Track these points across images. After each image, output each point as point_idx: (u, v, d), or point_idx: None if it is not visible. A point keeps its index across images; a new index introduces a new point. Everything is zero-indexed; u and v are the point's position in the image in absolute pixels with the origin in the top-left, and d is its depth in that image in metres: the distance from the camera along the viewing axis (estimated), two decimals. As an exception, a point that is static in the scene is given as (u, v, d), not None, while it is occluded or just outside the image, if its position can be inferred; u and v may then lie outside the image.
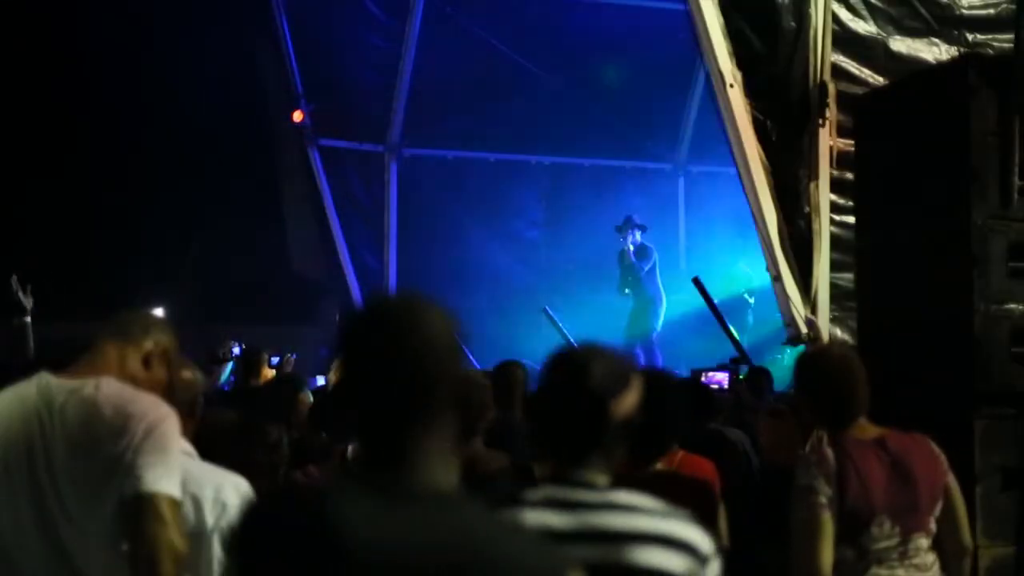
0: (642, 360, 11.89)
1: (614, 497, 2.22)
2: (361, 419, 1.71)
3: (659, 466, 3.55)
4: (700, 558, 2.19)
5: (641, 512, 2.20)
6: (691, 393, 5.57)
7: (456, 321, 1.75)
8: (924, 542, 3.40)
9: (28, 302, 6.02)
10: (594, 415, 2.22)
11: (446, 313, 1.75)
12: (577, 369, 2.23)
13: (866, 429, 3.44)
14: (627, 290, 12.58)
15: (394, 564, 1.56)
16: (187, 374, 3.20)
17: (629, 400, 2.26)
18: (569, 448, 2.24)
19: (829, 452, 3.36)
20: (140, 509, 2.59)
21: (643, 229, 12.63)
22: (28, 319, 5.96)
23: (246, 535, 1.71)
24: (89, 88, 12.09)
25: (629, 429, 2.27)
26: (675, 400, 3.64)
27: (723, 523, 3.49)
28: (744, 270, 12.96)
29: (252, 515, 1.76)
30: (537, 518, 2.14)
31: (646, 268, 12.41)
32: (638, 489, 2.33)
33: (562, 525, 2.14)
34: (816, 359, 3.60)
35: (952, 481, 3.49)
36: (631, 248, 12.49)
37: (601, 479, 2.24)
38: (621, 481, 2.35)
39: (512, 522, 1.71)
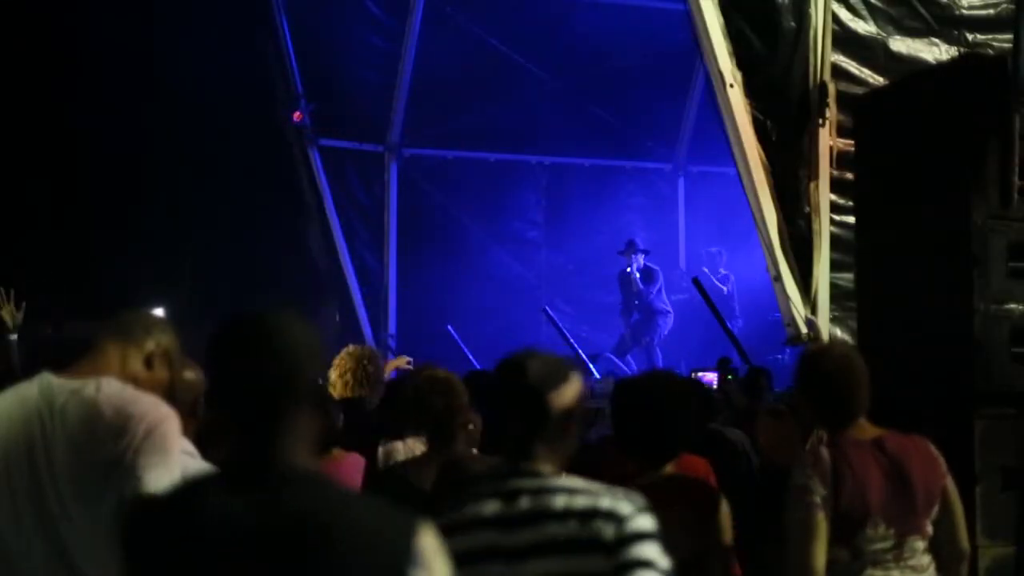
0: (642, 365, 11.89)
1: (555, 482, 2.39)
2: (231, 415, 1.93)
3: (669, 468, 3.53)
4: (619, 520, 2.31)
5: (578, 492, 2.36)
6: (696, 395, 5.55)
7: (315, 332, 2.01)
8: (920, 544, 3.39)
9: (18, 318, 5.94)
10: (533, 408, 2.40)
11: (306, 324, 2.00)
12: (514, 368, 2.43)
13: (864, 430, 3.43)
14: (632, 311, 12.60)
15: (256, 546, 1.78)
16: (189, 374, 3.21)
17: (568, 393, 2.44)
18: (514, 441, 2.43)
19: (825, 452, 3.36)
20: (141, 509, 2.59)
21: (646, 253, 12.63)
22: (14, 337, 5.86)
23: (130, 533, 1.91)
24: (88, 88, 12.07)
25: (572, 420, 2.45)
26: (684, 405, 3.64)
27: (726, 520, 3.49)
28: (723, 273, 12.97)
29: (135, 513, 1.97)
30: (489, 508, 2.36)
31: (653, 292, 12.45)
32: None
33: (510, 512, 2.35)
34: (817, 358, 3.59)
35: (950, 484, 3.46)
36: (637, 275, 12.49)
37: (546, 468, 2.41)
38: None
39: (363, 495, 1.98)
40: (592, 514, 2.32)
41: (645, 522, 2.34)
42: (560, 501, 2.34)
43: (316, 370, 1.99)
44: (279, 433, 1.89)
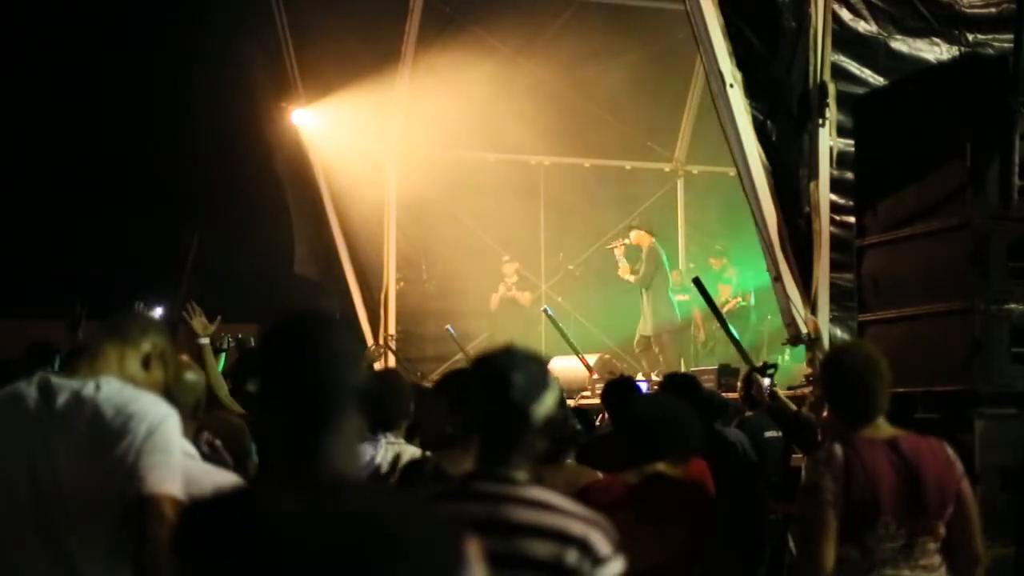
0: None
1: (527, 493, 2.41)
2: (282, 420, 1.93)
3: (660, 467, 3.53)
4: (592, 556, 2.32)
5: (547, 509, 2.37)
6: (693, 396, 5.54)
7: (355, 332, 2.04)
8: (931, 546, 3.35)
9: (210, 328, 5.81)
10: (516, 422, 2.42)
11: (347, 326, 2.04)
12: (499, 380, 2.42)
13: (881, 429, 3.41)
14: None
15: (316, 547, 1.76)
16: (191, 376, 3.20)
17: (548, 401, 2.46)
18: (493, 449, 2.45)
19: (838, 449, 3.34)
20: (143, 510, 2.58)
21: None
22: (205, 341, 5.71)
23: (186, 537, 1.88)
24: (92, 88, 12.10)
25: (551, 426, 2.48)
26: (671, 407, 3.66)
27: (717, 519, 3.49)
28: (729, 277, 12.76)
29: (190, 516, 1.95)
30: (456, 508, 2.36)
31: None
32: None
33: (476, 514, 2.32)
34: (842, 356, 3.59)
35: (966, 488, 3.41)
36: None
37: (520, 474, 2.44)
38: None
39: (414, 502, 1.93)
40: (561, 536, 2.32)
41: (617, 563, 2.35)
42: (530, 515, 2.35)
43: (363, 370, 2.00)
44: (331, 433, 1.91)
